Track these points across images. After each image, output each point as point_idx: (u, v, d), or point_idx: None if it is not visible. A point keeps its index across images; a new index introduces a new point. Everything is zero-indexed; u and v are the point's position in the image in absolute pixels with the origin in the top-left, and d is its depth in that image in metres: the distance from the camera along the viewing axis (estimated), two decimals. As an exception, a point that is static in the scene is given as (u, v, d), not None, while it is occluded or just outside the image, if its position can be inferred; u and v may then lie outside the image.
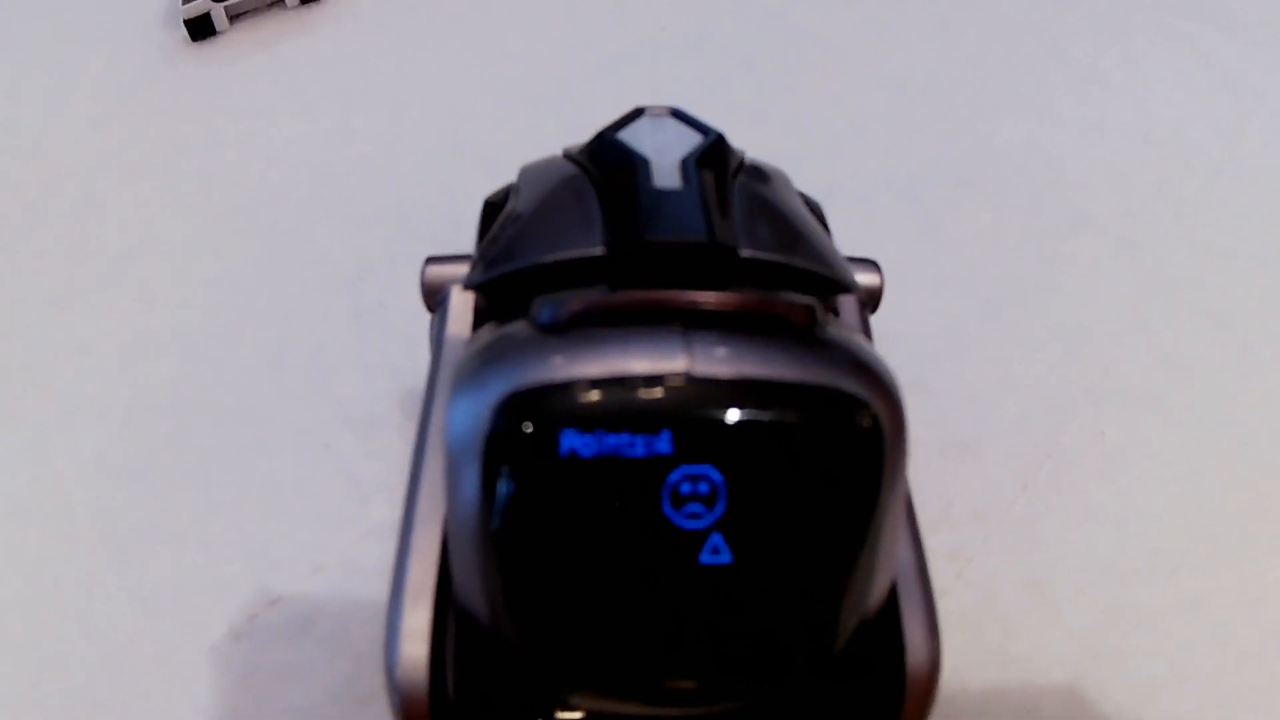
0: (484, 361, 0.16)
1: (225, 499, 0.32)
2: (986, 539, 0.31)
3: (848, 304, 0.22)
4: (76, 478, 0.33)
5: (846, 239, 0.22)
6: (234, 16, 0.47)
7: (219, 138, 0.43)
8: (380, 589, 0.30)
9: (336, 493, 0.32)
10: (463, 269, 0.22)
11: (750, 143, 0.22)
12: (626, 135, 0.20)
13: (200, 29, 0.47)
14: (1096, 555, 0.31)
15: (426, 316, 0.23)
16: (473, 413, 0.16)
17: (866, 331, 0.22)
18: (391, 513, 0.31)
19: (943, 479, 0.32)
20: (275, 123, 0.44)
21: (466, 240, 0.24)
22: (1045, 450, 0.33)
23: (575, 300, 0.16)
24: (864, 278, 0.23)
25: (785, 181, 0.22)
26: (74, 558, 0.31)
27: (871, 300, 0.24)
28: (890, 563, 0.18)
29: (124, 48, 0.47)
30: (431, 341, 0.22)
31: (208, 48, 0.47)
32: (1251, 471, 0.33)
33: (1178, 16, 0.47)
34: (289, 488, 0.32)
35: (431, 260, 0.23)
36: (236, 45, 0.47)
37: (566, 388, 0.15)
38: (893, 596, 0.18)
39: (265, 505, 0.32)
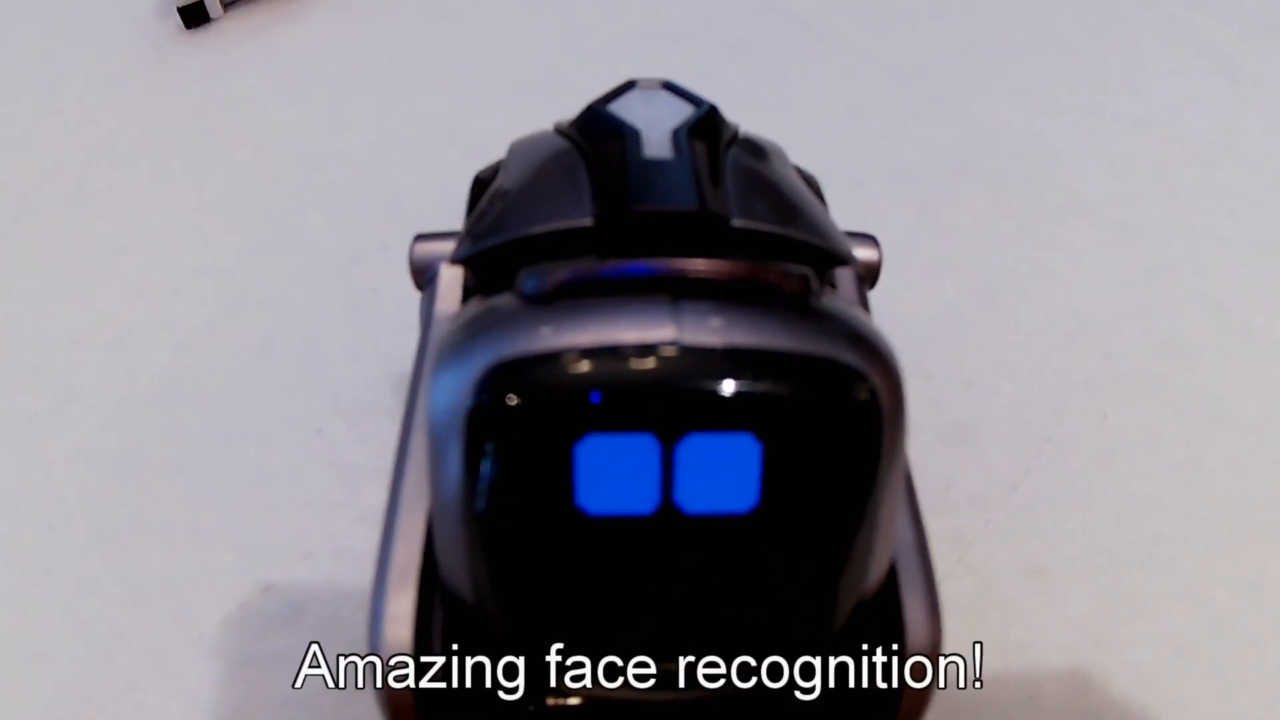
0: (467, 334, 0.16)
1: (216, 488, 0.32)
2: (986, 524, 0.31)
3: (845, 278, 0.22)
4: (67, 469, 0.33)
5: (842, 224, 0.21)
6: (227, 4, 0.47)
7: (211, 126, 0.43)
8: (371, 575, 0.30)
9: (327, 479, 0.32)
10: (451, 246, 0.21)
11: (744, 127, 0.21)
12: (617, 107, 0.19)
13: (194, 16, 0.46)
14: (1096, 541, 0.31)
15: (417, 303, 0.23)
16: (455, 387, 0.15)
17: (865, 306, 0.22)
18: (382, 498, 0.31)
19: (942, 463, 0.32)
20: (267, 111, 0.43)
21: (458, 225, 0.23)
22: (1045, 435, 0.33)
23: (561, 270, 0.16)
24: (862, 252, 0.23)
25: (780, 155, 0.21)
26: (64, 549, 0.31)
27: (870, 275, 0.23)
28: (889, 542, 0.17)
29: (117, 36, 0.47)
30: (421, 320, 0.21)
31: (200, 36, 0.47)
32: (1252, 457, 0.33)
33: (1175, 2, 0.47)
34: (280, 475, 0.32)
35: (420, 238, 0.22)
36: (229, 34, 0.47)
37: (552, 358, 0.15)
38: (892, 577, 0.18)
39: (256, 493, 0.32)
